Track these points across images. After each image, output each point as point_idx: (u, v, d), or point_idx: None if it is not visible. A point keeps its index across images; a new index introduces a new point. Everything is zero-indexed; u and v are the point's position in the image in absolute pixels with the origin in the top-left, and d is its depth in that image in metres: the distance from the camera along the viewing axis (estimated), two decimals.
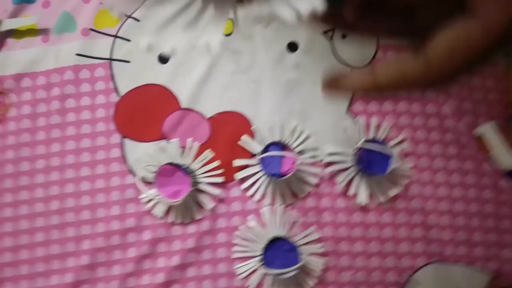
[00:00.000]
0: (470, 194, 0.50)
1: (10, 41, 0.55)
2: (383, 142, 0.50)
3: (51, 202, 0.50)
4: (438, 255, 0.49)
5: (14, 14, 0.56)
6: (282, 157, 0.50)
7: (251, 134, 0.52)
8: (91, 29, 0.55)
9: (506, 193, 0.50)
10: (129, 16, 0.55)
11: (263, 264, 0.47)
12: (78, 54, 0.54)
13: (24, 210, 0.50)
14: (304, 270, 0.48)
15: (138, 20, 0.56)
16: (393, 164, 0.48)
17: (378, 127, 0.52)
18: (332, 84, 0.22)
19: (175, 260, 0.49)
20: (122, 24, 0.55)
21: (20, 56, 0.55)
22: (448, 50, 0.18)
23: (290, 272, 0.46)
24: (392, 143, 0.51)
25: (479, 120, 0.53)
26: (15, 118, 0.53)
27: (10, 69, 0.54)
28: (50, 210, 0.50)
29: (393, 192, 0.50)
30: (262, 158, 0.50)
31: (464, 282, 0.48)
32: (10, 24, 0.55)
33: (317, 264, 0.48)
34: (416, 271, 0.49)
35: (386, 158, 0.49)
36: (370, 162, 0.49)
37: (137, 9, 0.56)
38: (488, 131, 0.51)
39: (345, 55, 0.53)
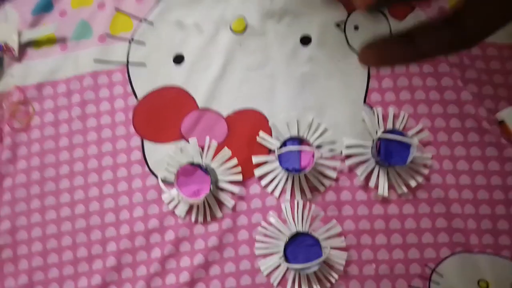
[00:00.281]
0: (494, 181, 0.49)
1: (30, 51, 0.57)
2: (402, 132, 0.50)
3: (77, 206, 0.52)
4: (462, 245, 0.48)
5: (33, 24, 0.58)
6: (300, 152, 0.50)
7: (268, 131, 0.52)
8: (107, 35, 0.56)
9: None
10: (143, 20, 0.56)
11: (285, 260, 0.47)
12: (96, 60, 0.55)
13: (51, 215, 0.52)
14: (327, 265, 0.48)
15: (152, 24, 0.56)
16: (413, 154, 0.48)
17: (396, 117, 0.52)
18: None
19: (198, 259, 0.49)
20: (137, 28, 0.56)
21: (40, 65, 0.56)
22: None
23: (312, 266, 0.46)
24: (411, 132, 0.50)
25: (500, 105, 0.52)
26: (38, 126, 0.54)
27: (31, 79, 0.56)
28: (76, 214, 0.52)
29: (414, 182, 0.49)
30: (280, 154, 0.50)
31: (490, 272, 0.47)
32: (30, 34, 0.57)
33: (339, 258, 0.48)
34: (441, 262, 0.48)
35: (405, 148, 0.49)
36: (389, 152, 0.49)
37: (150, 12, 0.57)
38: (510, 115, 0.50)
39: (358, 46, 0.53)
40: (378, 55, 0.21)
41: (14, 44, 0.56)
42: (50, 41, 0.57)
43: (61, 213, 0.52)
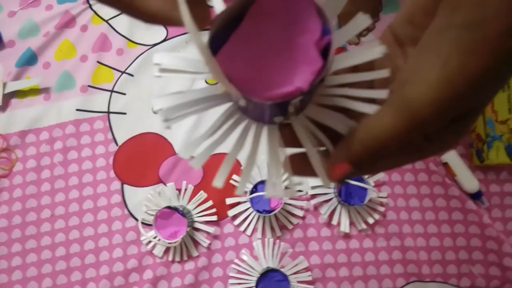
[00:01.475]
0: (441, 216, 0.56)
1: (14, 101, 0.61)
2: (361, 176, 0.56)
3: (57, 249, 0.55)
4: (416, 275, 0.54)
5: (17, 76, 0.62)
6: None
7: (241, 174, 0.57)
8: (89, 86, 0.61)
9: (472, 214, 0.55)
10: (124, 72, 0.62)
11: None
12: (78, 110, 0.60)
13: (32, 258, 0.55)
14: None
15: (132, 75, 0.62)
16: (369, 195, 0.54)
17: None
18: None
19: None
20: (117, 80, 0.61)
21: (24, 114, 0.60)
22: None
23: None
24: (370, 176, 0.57)
25: None
26: (20, 172, 0.58)
27: (15, 127, 0.59)
28: (56, 256, 0.55)
29: (371, 219, 0.55)
30: (252, 199, 0.55)
31: None
32: (14, 86, 0.61)
33: None
34: None
35: (363, 189, 0.55)
36: (349, 193, 0.55)
37: (130, 65, 0.62)
38: (453, 158, 0.58)
39: None
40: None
41: None
42: (34, 91, 0.61)
43: (42, 256, 0.55)
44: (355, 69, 0.20)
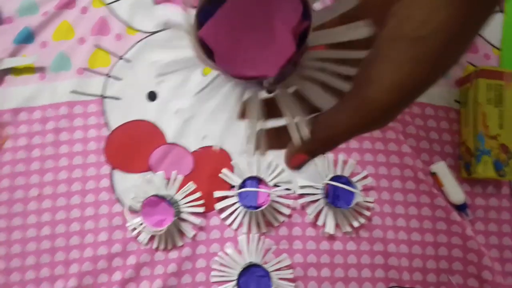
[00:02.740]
0: (425, 225, 0.59)
1: (8, 78, 0.63)
2: (347, 179, 0.59)
3: (43, 228, 0.57)
4: (396, 281, 0.57)
5: (13, 53, 0.64)
6: (257, 192, 0.58)
7: (231, 168, 0.60)
8: (85, 69, 0.63)
9: (456, 225, 0.59)
10: (121, 57, 0.64)
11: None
12: (72, 91, 0.62)
13: (17, 235, 0.57)
14: None
15: (129, 61, 0.64)
16: (356, 199, 0.57)
17: (345, 162, 0.61)
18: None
19: (157, 284, 0.56)
20: (114, 65, 0.64)
21: (18, 92, 0.62)
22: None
23: None
24: (356, 178, 0.60)
25: (434, 158, 0.62)
26: (11, 149, 0.60)
27: (8, 104, 0.62)
28: (42, 236, 0.57)
29: (357, 223, 0.58)
30: (240, 193, 0.58)
31: None
32: (9, 63, 0.63)
33: None
34: None
35: (351, 193, 0.58)
36: (336, 196, 0.58)
37: (128, 51, 0.64)
38: (441, 169, 0.61)
39: None
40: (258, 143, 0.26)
41: None
42: (29, 70, 0.63)
43: (27, 234, 0.57)
44: (339, 45, 0.22)
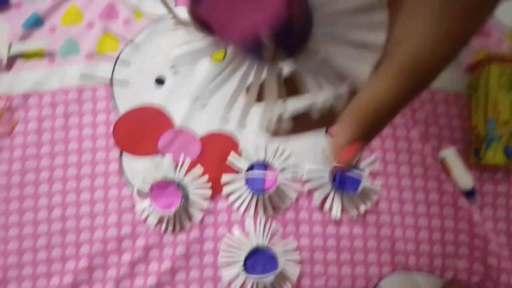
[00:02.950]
0: (432, 211, 0.59)
1: (18, 62, 0.64)
2: (356, 164, 0.59)
3: (54, 210, 0.59)
4: (402, 265, 0.58)
5: (23, 38, 0.65)
6: (265, 175, 0.59)
7: (238, 153, 0.61)
8: (94, 53, 0.64)
9: (463, 211, 0.59)
10: (129, 42, 0.65)
11: (245, 270, 0.56)
12: (82, 76, 0.63)
13: (29, 216, 0.59)
14: (282, 276, 0.57)
15: (137, 47, 0.65)
16: (363, 184, 0.57)
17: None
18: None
19: (166, 265, 0.57)
20: (122, 50, 0.64)
21: (27, 76, 0.63)
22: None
23: (268, 277, 0.55)
24: (364, 163, 0.60)
25: (443, 144, 0.62)
26: (22, 133, 0.61)
27: (18, 88, 0.63)
28: (53, 217, 0.59)
29: (363, 207, 0.59)
30: (247, 176, 0.58)
31: (424, 286, 0.57)
32: (19, 47, 0.64)
33: (293, 271, 0.57)
34: (382, 278, 0.57)
35: (358, 177, 0.58)
36: (343, 180, 0.58)
37: (136, 36, 0.65)
38: (450, 154, 0.61)
39: None
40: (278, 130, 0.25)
41: (4, 55, 0.63)
42: (39, 54, 0.64)
43: (38, 216, 0.59)
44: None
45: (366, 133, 0.21)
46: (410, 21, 0.19)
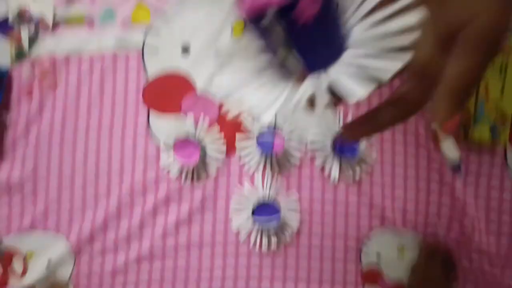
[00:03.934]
0: (421, 174, 0.68)
1: (62, 26, 0.74)
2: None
3: (89, 154, 0.69)
4: (390, 221, 0.67)
5: (66, 3, 0.74)
6: (274, 137, 0.68)
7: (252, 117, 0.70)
8: (129, 22, 0.73)
9: (448, 176, 0.68)
10: (160, 14, 0.74)
11: (252, 215, 0.65)
12: (117, 42, 0.72)
13: (68, 159, 0.69)
14: (284, 222, 0.66)
15: (167, 18, 0.74)
16: (361, 149, 0.66)
17: (353, 116, 0.70)
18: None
19: (185, 208, 0.67)
20: (154, 20, 0.74)
21: (69, 40, 0.73)
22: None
23: (273, 220, 0.64)
24: None
25: None
26: (63, 88, 0.71)
27: (60, 50, 0.72)
28: (88, 161, 0.69)
29: (359, 170, 0.68)
30: (258, 138, 0.68)
31: (407, 240, 0.66)
32: (63, 11, 0.73)
33: (294, 219, 0.67)
34: (372, 230, 0.67)
35: (356, 144, 0.68)
36: (342, 146, 0.67)
37: (167, 8, 0.74)
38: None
39: None
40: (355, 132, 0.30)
41: (49, 19, 0.73)
42: (80, 20, 0.74)
43: (76, 159, 0.69)
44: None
45: (460, 104, 0.25)
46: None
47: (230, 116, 0.21)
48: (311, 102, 0.25)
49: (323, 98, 0.23)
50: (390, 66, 0.22)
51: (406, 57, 0.22)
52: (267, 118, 0.25)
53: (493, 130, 0.67)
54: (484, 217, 0.67)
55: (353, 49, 0.24)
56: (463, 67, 0.24)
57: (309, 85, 0.24)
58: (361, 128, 0.29)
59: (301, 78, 0.24)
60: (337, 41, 0.23)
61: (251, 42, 0.26)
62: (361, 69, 0.23)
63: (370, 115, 0.29)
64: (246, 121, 0.70)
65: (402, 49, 0.23)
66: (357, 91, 0.22)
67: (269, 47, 0.24)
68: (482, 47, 0.23)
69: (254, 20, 0.22)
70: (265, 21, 0.21)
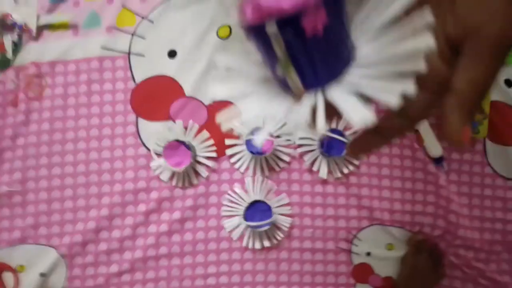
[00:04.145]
0: (406, 174, 0.71)
1: (46, 33, 0.73)
2: (341, 132, 0.70)
3: (78, 165, 0.69)
4: (378, 220, 0.69)
5: (49, 10, 0.73)
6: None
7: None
8: (114, 27, 0.73)
9: (432, 175, 0.70)
10: (145, 18, 0.74)
11: (244, 220, 0.67)
12: (102, 47, 0.72)
13: (56, 170, 0.69)
14: (276, 226, 0.68)
15: (152, 22, 0.74)
16: (348, 149, 0.68)
17: (339, 117, 0.72)
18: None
19: (176, 215, 0.68)
20: (139, 24, 0.73)
21: (54, 46, 0.72)
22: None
23: (264, 225, 0.66)
24: (349, 132, 0.71)
25: None
26: (50, 97, 0.71)
27: (45, 57, 0.72)
28: (77, 172, 0.69)
29: (346, 170, 0.70)
30: (247, 140, 0.69)
31: (395, 239, 0.69)
32: (47, 19, 0.73)
33: (285, 222, 0.68)
34: (361, 230, 0.69)
35: (343, 143, 0.69)
36: (330, 146, 0.69)
37: (152, 12, 0.74)
38: (423, 125, 0.71)
39: None
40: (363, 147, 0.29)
41: (33, 26, 0.72)
42: (64, 26, 0.73)
43: (65, 170, 0.69)
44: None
45: (472, 112, 0.24)
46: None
47: (223, 128, 0.21)
48: (312, 119, 0.24)
49: (323, 116, 0.22)
50: (396, 88, 0.21)
51: (411, 82, 0.21)
52: (262, 136, 0.23)
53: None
54: (468, 214, 0.70)
55: (359, 69, 0.23)
56: (474, 77, 0.23)
57: (308, 102, 0.23)
58: (368, 143, 0.29)
59: (300, 95, 0.24)
60: (343, 56, 0.23)
61: (249, 54, 0.25)
62: (365, 90, 0.22)
63: (376, 129, 0.28)
64: (235, 125, 0.71)
65: (408, 74, 0.22)
66: (363, 112, 0.22)
67: (268, 60, 0.23)
68: (493, 55, 0.23)
69: (257, 28, 0.20)
70: (270, 28, 0.19)
